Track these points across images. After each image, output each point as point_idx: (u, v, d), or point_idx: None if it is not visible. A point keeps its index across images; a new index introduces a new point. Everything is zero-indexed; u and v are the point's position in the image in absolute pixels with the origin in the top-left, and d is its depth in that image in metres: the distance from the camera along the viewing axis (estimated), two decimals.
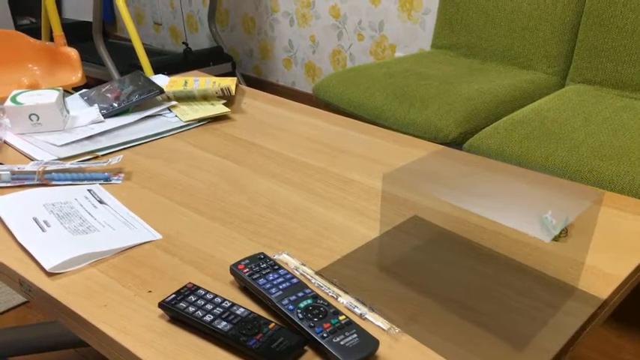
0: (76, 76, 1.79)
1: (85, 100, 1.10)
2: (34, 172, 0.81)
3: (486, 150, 1.34)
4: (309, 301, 0.55)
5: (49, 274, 0.62)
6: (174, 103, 1.08)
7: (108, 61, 2.49)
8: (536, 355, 0.52)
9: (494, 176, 0.57)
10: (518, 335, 0.54)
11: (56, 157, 0.88)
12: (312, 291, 0.57)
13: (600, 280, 0.62)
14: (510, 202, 0.52)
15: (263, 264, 0.61)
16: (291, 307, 0.54)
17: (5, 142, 0.94)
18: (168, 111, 1.06)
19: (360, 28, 2.46)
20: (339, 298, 0.59)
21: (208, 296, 0.57)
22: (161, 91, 1.05)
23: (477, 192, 0.54)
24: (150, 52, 2.35)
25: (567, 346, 0.54)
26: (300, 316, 0.53)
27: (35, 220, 0.71)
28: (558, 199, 0.53)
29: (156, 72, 2.21)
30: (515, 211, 0.51)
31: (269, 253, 0.66)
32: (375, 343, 0.51)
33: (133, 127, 1.00)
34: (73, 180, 0.82)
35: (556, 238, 0.69)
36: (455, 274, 0.60)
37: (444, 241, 0.59)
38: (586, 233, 0.71)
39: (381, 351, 0.52)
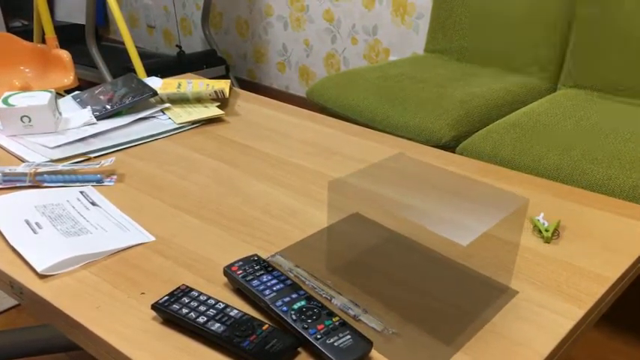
0: (68, 79, 1.78)
1: (78, 102, 1.09)
2: (25, 174, 0.80)
3: (479, 153, 1.35)
4: (303, 303, 0.55)
5: (41, 277, 0.62)
6: (167, 105, 1.08)
7: (100, 63, 2.48)
8: (528, 357, 0.52)
9: (434, 178, 0.59)
10: (510, 336, 0.55)
11: (48, 159, 0.88)
12: (306, 292, 0.57)
13: (591, 281, 0.63)
14: (438, 206, 0.55)
15: (257, 266, 0.61)
16: (284, 308, 0.54)
17: None
18: (161, 113, 1.06)
19: (354, 32, 2.47)
20: (333, 300, 0.59)
21: (202, 298, 0.57)
22: (154, 93, 1.05)
23: (417, 195, 0.56)
24: (143, 55, 2.34)
25: (559, 347, 0.55)
26: (294, 317, 0.53)
27: (27, 222, 0.70)
28: (483, 204, 0.55)
29: (149, 75, 2.21)
30: (439, 215, 0.54)
31: (263, 255, 0.66)
32: (368, 344, 0.51)
33: (126, 129, 0.99)
34: (65, 182, 0.81)
35: (547, 240, 0.70)
36: (444, 277, 0.61)
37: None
38: (577, 235, 0.72)
39: (375, 352, 0.52)
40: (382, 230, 0.57)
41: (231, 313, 0.55)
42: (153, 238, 0.69)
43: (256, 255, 0.63)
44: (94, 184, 0.82)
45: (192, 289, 0.58)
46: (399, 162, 0.63)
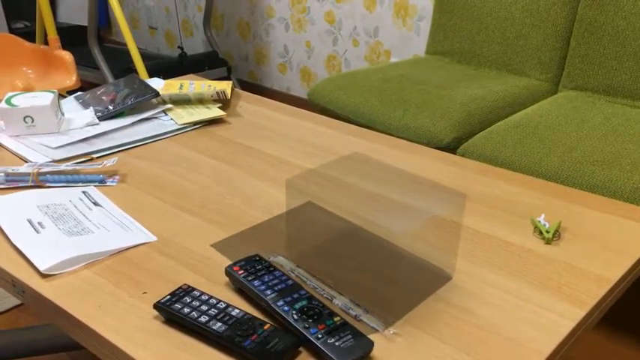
0: (71, 80, 1.78)
1: (80, 103, 1.10)
2: (28, 174, 0.81)
3: (480, 154, 1.35)
4: (304, 303, 0.55)
5: (43, 276, 0.62)
6: (169, 106, 1.08)
7: (102, 64, 2.48)
8: (528, 357, 0.52)
9: (387, 175, 0.65)
10: (511, 337, 0.55)
11: (51, 159, 0.88)
12: (307, 292, 0.57)
13: (592, 282, 0.63)
14: (386, 199, 0.60)
15: (258, 265, 0.61)
16: (286, 308, 0.55)
17: None
18: (163, 114, 1.06)
19: (355, 34, 2.47)
20: (334, 300, 0.59)
21: (203, 297, 0.57)
22: (157, 94, 1.05)
23: (369, 189, 0.61)
24: (145, 56, 2.35)
25: (559, 348, 0.55)
26: (295, 317, 0.54)
27: (29, 221, 0.71)
28: (426, 198, 0.58)
29: (151, 76, 2.21)
30: (386, 207, 0.58)
31: (264, 255, 0.66)
32: (369, 344, 0.52)
33: (129, 129, 1.00)
34: (67, 182, 0.82)
35: (548, 241, 0.70)
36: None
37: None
38: (578, 236, 0.72)
39: (376, 352, 0.53)
40: (335, 219, 0.59)
41: (233, 313, 0.55)
42: (155, 238, 0.70)
43: (258, 255, 0.63)
44: (97, 184, 0.82)
45: (193, 289, 0.58)
46: (354, 160, 0.66)
